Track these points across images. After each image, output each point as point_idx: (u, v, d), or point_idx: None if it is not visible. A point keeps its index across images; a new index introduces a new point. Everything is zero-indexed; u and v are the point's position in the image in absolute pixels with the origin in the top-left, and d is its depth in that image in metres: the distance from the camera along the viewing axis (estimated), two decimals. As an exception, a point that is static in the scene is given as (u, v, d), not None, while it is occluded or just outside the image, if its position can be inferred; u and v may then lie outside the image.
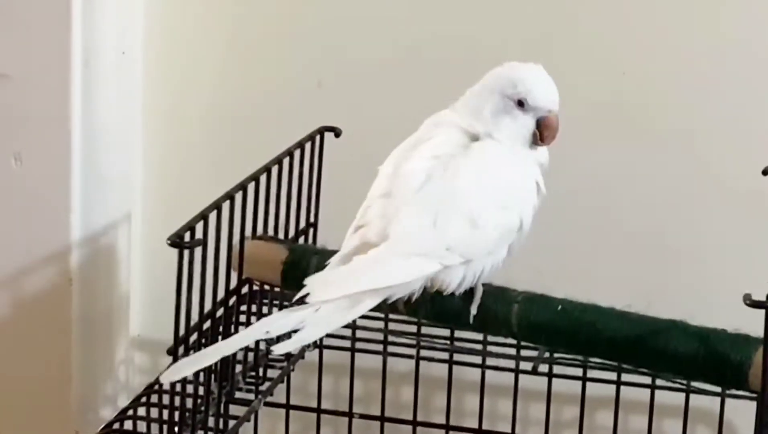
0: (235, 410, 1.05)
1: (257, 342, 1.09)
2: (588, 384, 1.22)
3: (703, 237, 1.28)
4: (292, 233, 1.15)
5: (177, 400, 0.97)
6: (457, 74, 1.28)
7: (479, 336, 1.23)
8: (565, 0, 1.28)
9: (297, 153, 1.14)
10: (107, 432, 1.04)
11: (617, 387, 1.22)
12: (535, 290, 0.97)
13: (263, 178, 1.07)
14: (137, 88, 1.38)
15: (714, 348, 0.90)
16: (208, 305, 1.00)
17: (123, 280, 1.39)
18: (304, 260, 1.03)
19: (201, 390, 1.00)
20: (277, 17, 1.35)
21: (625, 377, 1.21)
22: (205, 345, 0.98)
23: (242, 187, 1.03)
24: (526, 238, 0.97)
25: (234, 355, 1.05)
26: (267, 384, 1.10)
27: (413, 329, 1.25)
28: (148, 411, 1.07)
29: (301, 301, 0.90)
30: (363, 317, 1.23)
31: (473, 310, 0.95)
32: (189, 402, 0.97)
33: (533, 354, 1.14)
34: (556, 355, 1.19)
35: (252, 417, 1.09)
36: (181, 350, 0.97)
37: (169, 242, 0.92)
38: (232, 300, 1.06)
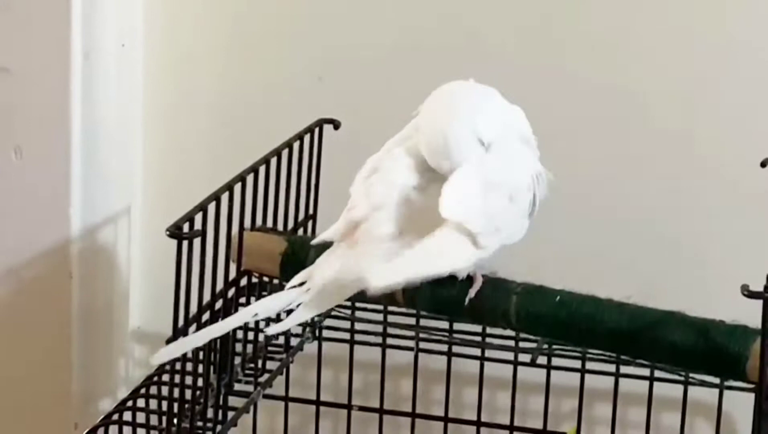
0: (234, 401, 1.05)
1: (256, 335, 1.09)
2: (587, 375, 1.23)
3: (702, 229, 1.28)
4: (291, 224, 1.15)
5: (176, 392, 0.97)
6: (456, 67, 1.28)
7: (478, 328, 1.23)
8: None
9: (296, 145, 1.14)
10: (106, 424, 1.04)
11: (616, 379, 1.22)
12: (533, 282, 0.97)
13: (262, 169, 1.07)
14: (137, 82, 1.38)
15: (712, 339, 0.90)
16: (207, 297, 1.00)
17: (123, 273, 1.39)
18: (302, 251, 1.03)
19: (200, 382, 1.00)
20: (278, 10, 1.35)
21: (623, 369, 1.22)
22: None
23: (241, 178, 1.03)
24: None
25: (233, 347, 1.05)
26: (266, 375, 1.11)
27: (412, 321, 1.25)
28: (147, 403, 1.07)
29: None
30: (362, 309, 1.25)
31: (471, 294, 0.95)
32: (188, 394, 0.98)
33: (532, 346, 1.15)
34: (554, 347, 1.19)
35: (251, 409, 1.09)
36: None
37: (168, 233, 0.92)
38: (231, 292, 1.06)
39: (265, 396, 1.12)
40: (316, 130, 1.18)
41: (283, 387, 1.28)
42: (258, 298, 1.09)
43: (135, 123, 1.38)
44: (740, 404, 1.15)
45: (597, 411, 1.30)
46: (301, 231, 1.18)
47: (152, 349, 1.40)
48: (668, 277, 1.28)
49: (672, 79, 1.27)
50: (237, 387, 1.07)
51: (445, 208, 0.90)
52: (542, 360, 1.22)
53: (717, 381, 1.15)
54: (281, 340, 1.15)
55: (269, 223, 1.11)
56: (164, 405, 1.00)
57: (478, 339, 1.24)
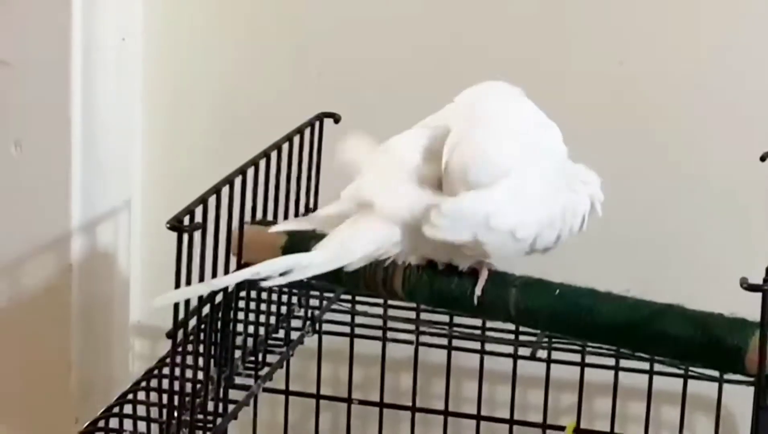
0: (234, 395, 1.05)
1: (257, 328, 1.09)
2: (586, 369, 1.23)
3: (700, 222, 1.28)
4: (291, 218, 1.15)
5: (176, 385, 0.97)
6: (455, 64, 1.29)
7: (478, 322, 1.24)
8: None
9: (296, 139, 1.14)
10: (107, 416, 1.04)
11: (615, 373, 1.23)
12: (532, 275, 0.97)
13: (262, 163, 1.07)
14: (137, 75, 1.38)
15: (711, 332, 0.90)
16: (207, 290, 1.00)
17: (123, 267, 1.39)
18: (302, 245, 1.03)
19: (200, 375, 1.00)
20: (278, 4, 1.35)
21: (623, 363, 1.22)
22: (205, 331, 0.98)
23: (241, 172, 1.03)
24: None
25: (233, 340, 1.05)
26: (266, 369, 1.11)
27: (412, 315, 1.25)
28: (147, 396, 1.07)
29: None
30: (362, 303, 1.25)
31: (478, 291, 0.95)
32: (188, 387, 0.98)
33: (532, 339, 1.15)
34: (554, 340, 1.19)
35: (251, 402, 1.09)
36: (180, 334, 0.97)
37: (168, 226, 0.92)
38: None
39: (266, 390, 1.13)
40: (317, 124, 1.18)
41: (284, 381, 1.28)
42: (258, 291, 1.09)
43: (135, 117, 1.39)
44: (740, 397, 1.15)
45: (597, 405, 1.31)
46: (301, 224, 1.18)
47: (152, 343, 1.41)
48: (667, 270, 1.28)
49: (670, 75, 1.27)
50: (237, 380, 1.07)
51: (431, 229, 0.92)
52: (542, 353, 1.23)
53: (716, 374, 1.15)
54: (281, 334, 1.15)
55: (269, 216, 1.11)
56: (165, 398, 1.00)
57: (478, 332, 1.24)
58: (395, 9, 1.32)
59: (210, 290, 0.94)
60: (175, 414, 0.97)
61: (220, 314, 1.03)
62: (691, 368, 1.19)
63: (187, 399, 0.97)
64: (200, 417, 1.01)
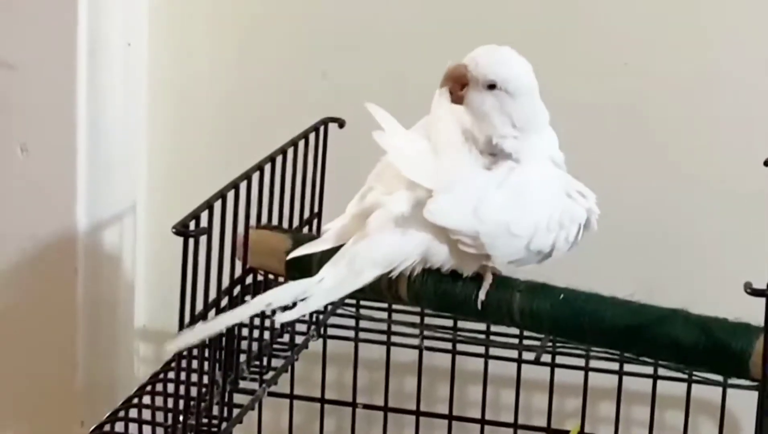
0: (239, 399, 1.06)
1: (261, 333, 1.09)
2: (590, 374, 1.23)
3: (704, 227, 1.28)
4: (296, 222, 1.16)
5: (182, 389, 0.97)
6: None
7: (482, 326, 1.24)
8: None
9: (301, 144, 1.15)
10: (112, 420, 1.04)
11: (619, 377, 1.23)
12: (536, 280, 0.98)
13: (267, 168, 1.08)
14: (142, 79, 1.38)
15: (715, 337, 0.91)
16: (212, 295, 1.00)
17: (128, 270, 1.39)
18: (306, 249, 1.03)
19: (206, 380, 1.00)
20: (283, 8, 1.35)
21: (627, 367, 1.22)
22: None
23: (247, 176, 1.04)
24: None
25: (239, 345, 1.06)
26: (271, 373, 1.11)
27: (417, 319, 1.25)
28: (152, 400, 1.07)
29: None
30: (366, 307, 1.26)
31: (482, 295, 0.96)
32: (194, 391, 0.98)
33: (536, 344, 1.15)
34: (558, 345, 1.19)
35: (256, 406, 1.10)
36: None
37: (174, 230, 0.92)
38: (237, 290, 1.06)
39: (270, 394, 1.13)
40: (321, 128, 1.19)
41: (288, 385, 1.29)
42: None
43: (140, 120, 1.39)
44: (743, 402, 1.15)
45: (601, 409, 1.31)
46: (306, 229, 1.18)
47: (157, 347, 1.41)
48: (671, 275, 1.28)
49: (675, 77, 1.27)
50: (242, 384, 1.07)
51: (430, 213, 0.92)
52: (546, 358, 1.23)
53: (720, 379, 1.15)
54: (286, 338, 1.15)
55: (275, 221, 1.11)
56: (170, 402, 1.01)
57: (483, 336, 1.25)
58: (402, 13, 1.32)
59: (224, 326, 0.94)
60: (181, 418, 0.97)
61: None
62: (695, 372, 1.19)
63: (192, 403, 0.98)
64: (205, 421, 1.01)
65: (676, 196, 1.29)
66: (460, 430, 1.32)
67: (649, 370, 1.21)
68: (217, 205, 0.98)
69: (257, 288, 1.09)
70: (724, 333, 0.91)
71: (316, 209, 1.20)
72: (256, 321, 1.07)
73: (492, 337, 1.24)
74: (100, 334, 1.36)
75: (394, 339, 1.28)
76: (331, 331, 1.28)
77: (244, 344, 1.07)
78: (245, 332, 1.07)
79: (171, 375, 1.05)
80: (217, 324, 0.92)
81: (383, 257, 0.93)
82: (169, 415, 1.00)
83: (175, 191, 1.39)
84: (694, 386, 1.22)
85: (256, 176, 1.05)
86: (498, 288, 0.96)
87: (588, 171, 1.27)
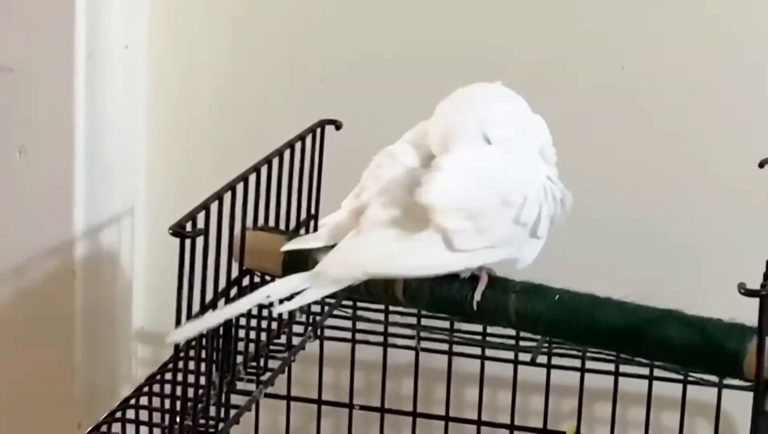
0: (236, 400, 1.06)
1: (258, 334, 1.09)
2: (586, 375, 1.23)
3: (699, 227, 1.29)
4: (293, 224, 1.16)
5: (179, 390, 0.97)
6: (457, 70, 1.29)
7: (479, 328, 1.24)
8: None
9: (298, 145, 1.15)
10: (109, 421, 1.05)
11: (615, 378, 1.23)
12: (532, 281, 0.98)
13: (264, 169, 1.08)
14: (141, 82, 1.38)
15: (710, 337, 0.91)
16: (209, 296, 1.01)
17: (126, 273, 1.39)
18: (304, 251, 1.04)
19: (203, 380, 1.01)
20: (281, 11, 1.36)
21: (623, 368, 1.22)
22: (207, 335, 0.99)
23: (243, 178, 1.04)
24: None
25: (235, 346, 1.06)
26: (268, 374, 1.11)
27: (413, 320, 1.26)
28: (150, 401, 1.07)
29: None
30: (363, 309, 1.26)
31: (477, 297, 0.96)
32: (190, 392, 0.98)
33: (532, 345, 1.15)
34: (554, 346, 1.20)
35: (253, 407, 1.10)
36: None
37: (171, 231, 0.92)
38: (233, 291, 1.07)
39: (267, 395, 1.13)
40: (318, 130, 1.19)
41: (285, 386, 1.29)
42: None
43: (138, 123, 1.39)
44: (739, 402, 1.15)
45: (597, 410, 1.31)
46: (302, 231, 1.18)
47: (155, 349, 1.41)
48: (666, 276, 1.28)
49: (670, 78, 1.27)
50: (239, 385, 1.07)
51: (423, 193, 0.92)
52: (542, 359, 1.23)
53: (716, 379, 1.15)
54: (283, 339, 1.15)
55: (271, 223, 1.11)
56: (167, 403, 1.01)
57: (479, 338, 1.25)
58: (399, 15, 1.32)
59: (224, 318, 0.95)
60: (178, 419, 0.97)
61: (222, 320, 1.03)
62: (690, 373, 1.19)
63: (189, 404, 0.98)
64: (202, 422, 1.01)
65: (670, 198, 1.29)
66: (456, 431, 1.32)
67: (645, 371, 1.21)
68: (214, 206, 0.99)
69: (254, 290, 1.09)
70: (718, 334, 0.91)
71: (312, 211, 1.20)
72: (253, 322, 1.07)
73: (488, 338, 1.24)
74: (98, 336, 1.37)
75: (391, 340, 1.28)
76: (327, 332, 1.28)
77: (241, 345, 1.07)
78: (242, 333, 1.07)
79: (168, 376, 1.05)
80: (217, 316, 0.93)
81: (379, 253, 0.93)
82: (166, 416, 1.00)
83: (173, 193, 1.39)
84: (689, 387, 1.22)
85: (252, 178, 1.06)
86: (494, 290, 0.96)
87: (584, 172, 1.29)
